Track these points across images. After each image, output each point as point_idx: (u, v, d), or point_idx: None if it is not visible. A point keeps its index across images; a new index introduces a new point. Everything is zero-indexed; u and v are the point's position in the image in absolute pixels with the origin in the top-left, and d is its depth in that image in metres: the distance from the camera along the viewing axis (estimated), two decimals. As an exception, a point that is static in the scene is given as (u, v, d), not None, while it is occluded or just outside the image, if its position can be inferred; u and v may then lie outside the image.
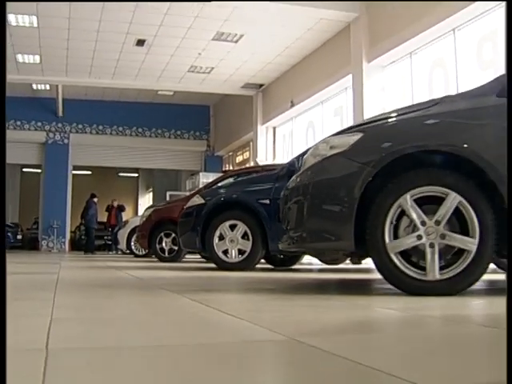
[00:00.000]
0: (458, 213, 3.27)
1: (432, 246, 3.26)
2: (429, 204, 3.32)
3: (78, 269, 7.95)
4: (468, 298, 3.30)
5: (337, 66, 14.03)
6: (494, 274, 6.18)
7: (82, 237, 22.43)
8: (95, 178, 30.13)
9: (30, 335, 1.90)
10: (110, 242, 21.23)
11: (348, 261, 7.58)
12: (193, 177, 21.08)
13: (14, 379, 1.27)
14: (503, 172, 3.16)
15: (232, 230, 6.79)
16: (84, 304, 3.06)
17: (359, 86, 12.94)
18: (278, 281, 5.21)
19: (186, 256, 11.34)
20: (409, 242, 3.31)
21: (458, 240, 3.25)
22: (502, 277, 5.84)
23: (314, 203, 3.52)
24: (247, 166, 18.61)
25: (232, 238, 6.78)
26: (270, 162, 17.47)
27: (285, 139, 18.72)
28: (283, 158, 17.27)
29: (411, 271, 3.32)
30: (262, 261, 8.14)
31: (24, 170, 29.26)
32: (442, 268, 3.28)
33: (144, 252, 13.49)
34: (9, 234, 22.16)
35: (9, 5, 11.91)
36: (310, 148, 3.98)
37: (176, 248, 10.13)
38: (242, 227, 6.75)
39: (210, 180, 11.46)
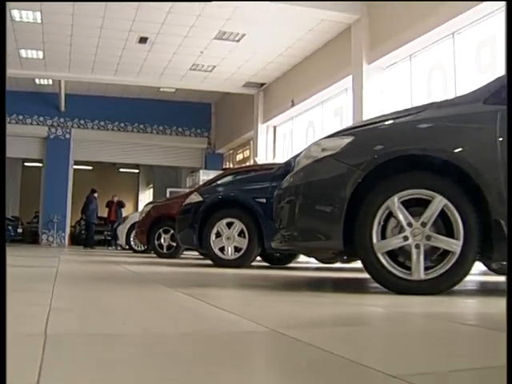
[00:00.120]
0: (443, 215, 3.40)
1: (418, 246, 3.38)
2: (415, 206, 3.44)
3: (77, 263, 8.08)
4: (453, 298, 3.42)
5: (337, 66, 14.14)
6: (486, 276, 6.32)
7: (82, 231, 22.57)
8: (96, 173, 30.26)
9: (29, 322, 2.03)
10: (109, 238, 21.38)
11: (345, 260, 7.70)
12: (193, 174, 21.17)
13: (14, 360, 1.40)
14: (487, 176, 3.29)
15: (229, 228, 6.92)
16: (82, 295, 3.19)
17: (359, 87, 13.05)
18: (272, 278, 5.34)
19: (184, 252, 11.47)
20: (395, 242, 3.43)
21: (442, 241, 3.38)
22: (491, 278, 5.97)
23: (305, 203, 3.65)
24: (246, 164, 18.73)
25: (229, 236, 6.91)
26: (269, 160, 17.60)
27: (285, 138, 18.84)
28: (283, 157, 17.38)
29: (397, 271, 3.45)
30: (259, 259, 8.29)
31: (25, 164, 29.38)
32: (427, 268, 3.41)
33: (143, 248, 13.63)
34: (9, 227, 22.30)
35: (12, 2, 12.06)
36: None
37: (174, 244, 10.25)
38: (238, 225, 6.88)
39: (211, 177, 11.58)
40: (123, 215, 18.68)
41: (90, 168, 30.24)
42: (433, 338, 1.99)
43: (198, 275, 5.59)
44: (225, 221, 6.94)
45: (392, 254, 3.50)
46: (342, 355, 1.52)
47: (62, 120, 22.96)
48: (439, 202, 3.36)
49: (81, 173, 26.91)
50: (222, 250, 6.94)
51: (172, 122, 23.92)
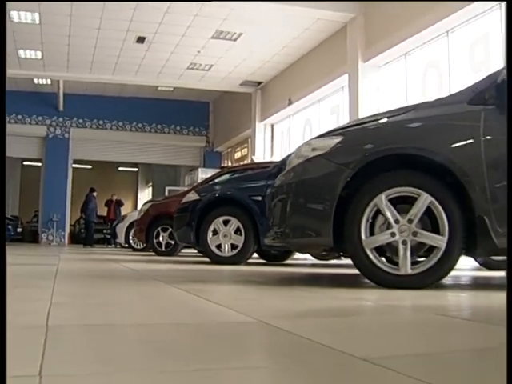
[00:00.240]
0: (429, 212, 3.52)
1: (404, 242, 3.51)
2: (402, 203, 3.57)
3: (76, 261, 8.21)
4: (441, 291, 3.56)
5: (333, 65, 14.27)
6: (477, 271, 6.45)
7: (82, 230, 22.70)
8: (95, 172, 30.39)
9: (31, 315, 2.16)
10: (108, 236, 21.51)
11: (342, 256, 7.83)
12: (192, 172, 21.29)
13: (17, 349, 1.53)
14: (471, 174, 3.42)
15: (225, 226, 7.04)
16: (81, 291, 3.32)
17: (355, 85, 13.18)
18: (267, 274, 5.47)
19: (183, 250, 11.60)
20: (383, 238, 3.56)
21: (428, 237, 3.51)
22: (482, 274, 6.10)
23: (296, 201, 3.78)
24: (243, 162, 18.86)
25: (225, 233, 7.03)
26: (267, 158, 17.74)
27: (283, 136, 18.97)
28: (281, 154, 17.50)
29: (385, 266, 3.58)
30: (256, 256, 8.42)
31: (24, 163, 29.51)
32: (413, 263, 3.54)
33: (142, 246, 13.74)
34: (9, 226, 22.43)
35: (11, 2, 12.16)
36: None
37: (172, 242, 10.37)
38: (234, 223, 7.01)
39: (209, 175, 11.69)
40: (122, 214, 18.80)
41: (89, 167, 30.38)
42: (412, 327, 2.13)
43: (195, 272, 5.71)
44: (221, 218, 7.06)
45: (380, 250, 3.63)
46: (320, 342, 1.65)
47: (60, 119, 23.07)
48: (425, 200, 3.49)
49: (80, 172, 27.04)
50: (218, 247, 7.06)
51: (170, 120, 24.03)
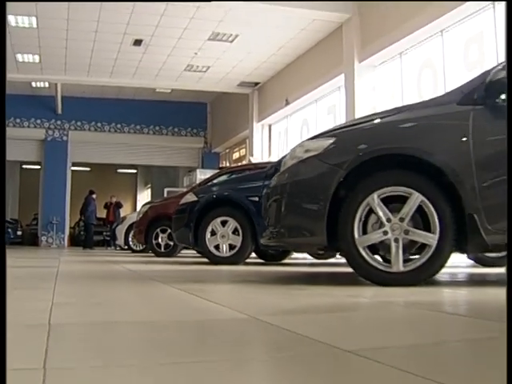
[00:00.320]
0: (421, 211, 3.61)
1: (397, 240, 3.60)
2: (394, 203, 3.66)
3: (76, 263, 8.29)
4: (436, 288, 3.65)
5: (329, 65, 14.35)
6: (473, 269, 6.54)
7: (81, 232, 22.76)
8: (94, 174, 30.44)
9: (34, 314, 2.25)
10: (108, 238, 21.58)
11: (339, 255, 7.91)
12: (190, 173, 21.35)
13: (22, 345, 1.61)
14: (461, 173, 3.51)
15: (223, 226, 7.13)
16: (82, 292, 3.41)
17: (351, 85, 13.26)
18: (264, 274, 5.55)
19: (182, 251, 11.68)
20: (376, 237, 3.65)
21: (420, 235, 3.59)
22: (478, 271, 6.19)
23: (291, 201, 3.87)
24: (241, 163, 18.94)
25: (223, 234, 7.12)
26: (265, 159, 17.83)
27: (280, 136, 19.05)
28: (279, 154, 17.58)
29: (378, 264, 3.67)
30: (254, 256, 8.51)
31: (23, 166, 29.57)
32: (406, 261, 3.63)
33: (141, 247, 13.82)
34: (9, 229, 22.46)
35: (9, 6, 12.22)
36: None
37: (172, 243, 10.45)
38: (232, 223, 7.10)
39: (208, 176, 11.77)
40: (121, 216, 18.88)
41: (88, 169, 30.44)
42: (401, 321, 2.21)
43: (193, 272, 5.80)
44: (219, 219, 7.15)
45: (373, 248, 3.72)
46: (309, 336, 1.73)
47: (58, 122, 23.16)
48: (416, 199, 3.57)
49: (79, 174, 27.10)
50: (217, 247, 7.15)
51: (168, 122, 24.11)
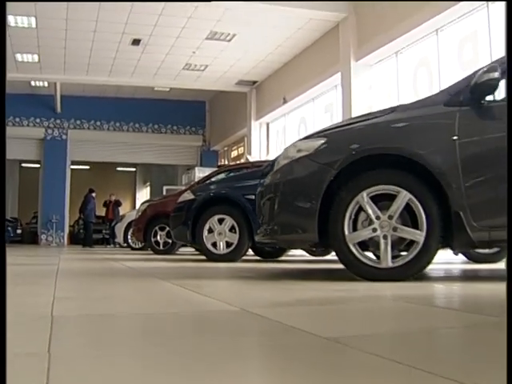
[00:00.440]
0: (409, 208, 3.74)
1: (385, 237, 3.73)
2: (383, 201, 3.79)
3: (76, 260, 8.42)
4: (423, 283, 3.77)
5: (326, 64, 14.48)
6: (467, 265, 6.67)
7: (81, 231, 22.89)
8: (93, 172, 30.56)
9: (37, 308, 2.38)
10: (107, 236, 21.72)
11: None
12: (189, 171, 21.47)
13: (27, 334, 1.75)
14: (447, 172, 3.64)
15: (220, 224, 7.27)
16: (82, 287, 3.54)
17: (347, 83, 13.40)
18: (260, 270, 5.68)
19: (181, 249, 11.81)
20: (365, 234, 3.78)
21: (408, 232, 3.73)
22: (471, 267, 6.32)
23: (283, 200, 4.00)
24: (239, 162, 19.07)
25: (220, 231, 7.26)
26: (263, 157, 17.96)
27: (278, 135, 19.19)
28: (277, 153, 17.68)
29: (368, 260, 3.80)
30: (251, 253, 8.64)
31: (23, 165, 29.69)
32: (394, 257, 3.76)
33: (140, 245, 13.94)
34: (9, 228, 22.59)
35: (8, 6, 12.34)
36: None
37: (170, 241, 10.59)
38: (229, 221, 7.24)
39: (206, 174, 11.88)
40: (120, 214, 19.01)
41: (88, 168, 30.56)
42: (384, 313, 2.34)
43: (191, 269, 5.93)
44: (216, 217, 7.29)
45: (363, 245, 3.85)
46: (293, 325, 1.87)
47: (58, 121, 23.30)
48: (404, 197, 3.71)
49: (78, 172, 27.24)
50: (214, 245, 7.29)
51: (167, 120, 24.25)
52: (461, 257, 7.11)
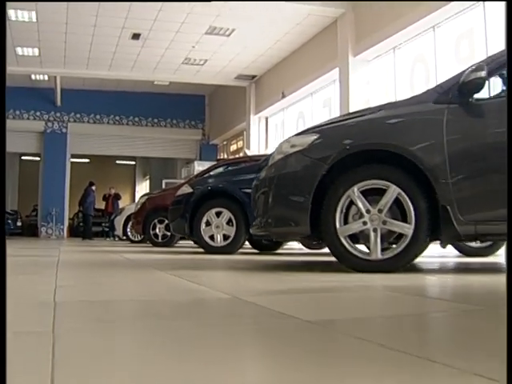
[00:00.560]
0: (398, 202, 3.88)
1: (375, 230, 3.87)
2: (373, 195, 3.92)
3: (76, 252, 8.56)
4: (413, 275, 3.90)
5: (324, 59, 14.59)
6: (460, 258, 6.81)
7: (80, 224, 23.03)
8: (93, 165, 30.70)
9: (40, 295, 2.52)
10: (107, 229, 21.85)
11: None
12: (188, 165, 21.61)
13: (32, 316, 1.88)
14: (435, 168, 3.76)
15: (218, 217, 7.41)
16: (82, 277, 3.69)
17: (345, 79, 13.52)
18: (256, 262, 5.82)
19: (180, 242, 11.95)
20: (356, 227, 3.92)
21: (397, 225, 3.86)
22: (464, 260, 6.46)
23: (277, 193, 4.14)
24: (237, 156, 19.22)
25: (218, 224, 7.40)
26: (261, 151, 18.10)
27: (277, 129, 19.30)
28: (275, 147, 17.77)
29: (358, 252, 3.94)
30: (249, 246, 8.79)
31: (23, 158, 29.81)
32: (384, 249, 3.90)
33: (139, 238, 14.08)
34: (9, 221, 22.71)
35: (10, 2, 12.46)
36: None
37: (169, 234, 10.72)
38: (226, 214, 7.38)
39: (206, 168, 12.00)
40: (120, 207, 19.15)
41: (87, 161, 30.69)
42: (365, 300, 2.48)
43: (188, 261, 6.07)
44: (214, 210, 7.43)
45: (354, 238, 3.99)
46: (278, 310, 2.01)
47: (58, 114, 23.40)
48: (393, 191, 3.84)
49: (78, 166, 27.36)
50: (211, 237, 7.44)
51: (167, 114, 24.35)
52: (453, 251, 7.25)
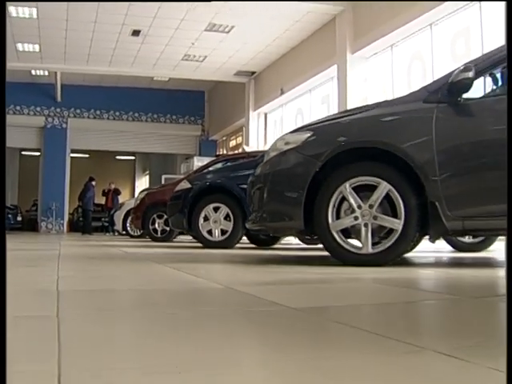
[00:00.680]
0: (389, 198, 4.01)
1: (366, 225, 4.00)
2: (365, 191, 4.05)
3: (76, 247, 8.70)
4: (403, 268, 4.03)
5: (323, 56, 14.71)
6: (453, 253, 6.94)
7: (80, 219, 23.15)
8: (93, 161, 30.79)
9: (43, 284, 2.65)
10: (107, 224, 21.97)
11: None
12: (187, 160, 21.68)
13: (36, 303, 2.02)
14: (424, 165, 3.89)
15: (215, 212, 7.55)
16: (83, 268, 3.83)
17: (343, 76, 13.64)
18: (251, 256, 5.95)
19: (179, 237, 12.09)
20: (347, 222, 4.05)
21: (387, 221, 3.99)
22: (452, 255, 6.59)
23: (272, 189, 4.27)
24: (235, 152, 19.33)
25: (215, 219, 7.54)
26: (260, 147, 18.21)
27: (276, 125, 19.43)
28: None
29: (349, 246, 4.07)
30: (247, 241, 8.92)
31: (23, 153, 29.92)
32: (374, 244, 4.03)
33: (139, 233, 14.21)
34: (9, 215, 22.83)
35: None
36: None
37: (168, 229, 10.85)
38: (224, 209, 7.52)
39: (204, 164, 12.12)
40: (119, 202, 19.27)
41: (87, 156, 30.80)
42: (352, 290, 2.62)
43: (186, 255, 6.20)
44: (212, 205, 7.57)
45: (346, 232, 4.12)
46: (267, 299, 2.14)
47: (58, 110, 23.51)
48: (384, 188, 3.97)
49: (78, 161, 27.48)
50: (209, 232, 7.58)
51: (166, 109, 24.45)
52: (447, 246, 7.38)
